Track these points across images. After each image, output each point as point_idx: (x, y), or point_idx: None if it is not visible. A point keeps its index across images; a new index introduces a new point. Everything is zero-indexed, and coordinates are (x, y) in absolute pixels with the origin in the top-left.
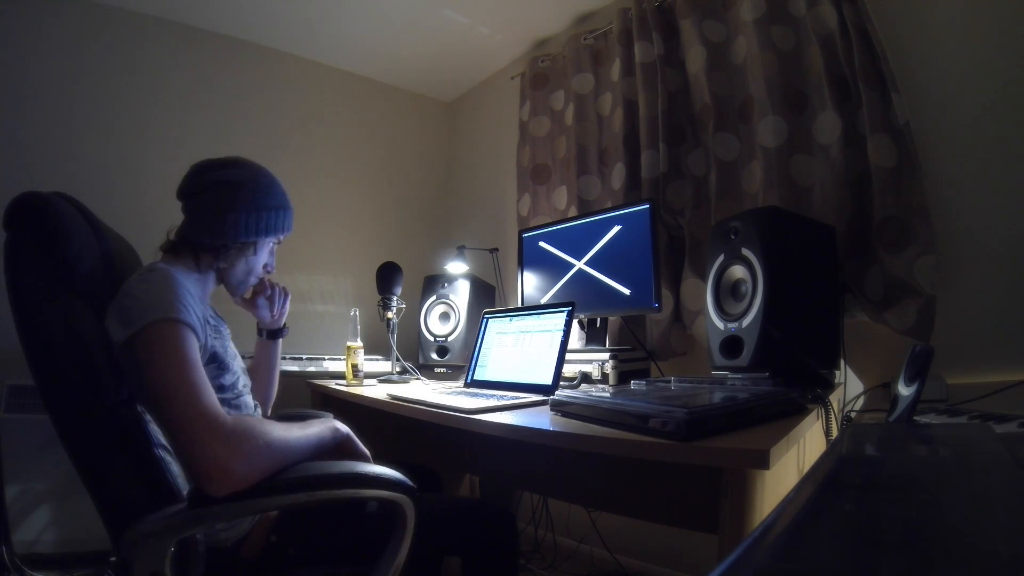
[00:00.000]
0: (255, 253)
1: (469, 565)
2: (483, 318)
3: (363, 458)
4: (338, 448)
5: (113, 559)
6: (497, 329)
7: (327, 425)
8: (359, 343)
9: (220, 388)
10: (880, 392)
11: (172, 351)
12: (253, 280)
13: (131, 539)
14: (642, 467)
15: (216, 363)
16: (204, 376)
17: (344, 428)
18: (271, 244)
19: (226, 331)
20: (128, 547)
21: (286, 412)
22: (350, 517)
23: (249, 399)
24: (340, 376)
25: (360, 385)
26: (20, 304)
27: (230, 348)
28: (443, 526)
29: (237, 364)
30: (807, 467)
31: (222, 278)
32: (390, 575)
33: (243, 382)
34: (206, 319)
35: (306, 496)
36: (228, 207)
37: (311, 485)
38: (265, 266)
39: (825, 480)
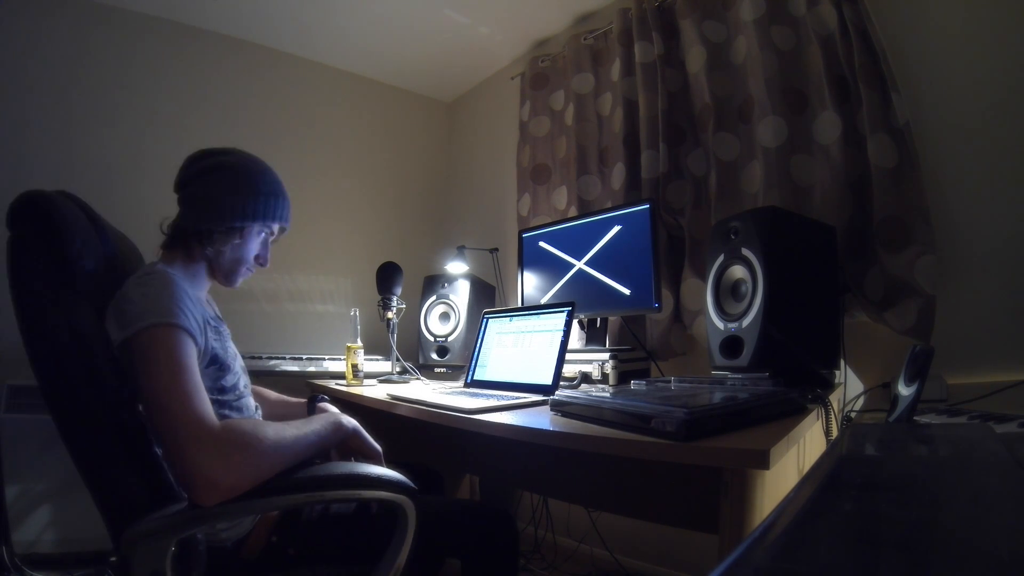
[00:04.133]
0: (241, 239)
1: (468, 567)
2: (483, 318)
3: (372, 453)
4: (344, 443)
5: (113, 559)
6: (497, 329)
7: (329, 421)
8: (359, 343)
9: (222, 390)
10: (880, 392)
11: (165, 357)
12: (245, 272)
13: (132, 538)
14: (642, 467)
15: (217, 365)
16: (198, 383)
17: (351, 423)
18: (263, 234)
19: (226, 331)
20: (129, 546)
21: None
22: (351, 518)
23: (251, 400)
24: (340, 376)
25: (360, 385)
26: (23, 304)
27: (230, 348)
28: (442, 528)
29: (238, 364)
30: (807, 467)
31: (211, 268)
32: None
33: (244, 382)
34: (206, 321)
35: (305, 497)
36: (216, 191)
37: (310, 486)
38: (257, 257)
39: (825, 480)
